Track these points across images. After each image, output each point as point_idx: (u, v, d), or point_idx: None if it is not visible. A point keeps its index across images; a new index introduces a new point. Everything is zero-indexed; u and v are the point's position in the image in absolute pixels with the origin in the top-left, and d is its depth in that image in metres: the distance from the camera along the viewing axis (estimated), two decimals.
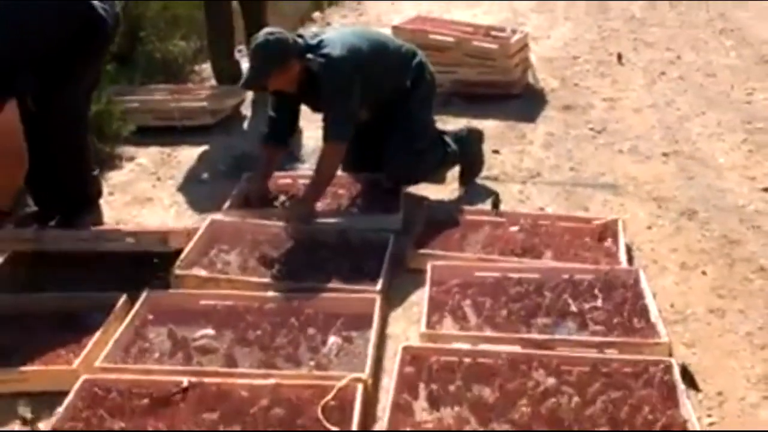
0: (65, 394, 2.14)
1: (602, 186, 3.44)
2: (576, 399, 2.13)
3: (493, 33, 4.50)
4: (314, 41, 3.01)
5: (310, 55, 2.94)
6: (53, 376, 2.25)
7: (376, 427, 2.14)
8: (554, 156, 3.72)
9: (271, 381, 2.17)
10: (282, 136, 3.22)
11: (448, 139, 3.34)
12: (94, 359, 2.27)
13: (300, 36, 3.03)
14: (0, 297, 2.65)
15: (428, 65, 3.31)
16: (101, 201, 3.13)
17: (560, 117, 4.13)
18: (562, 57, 4.96)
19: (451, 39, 4.31)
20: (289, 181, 3.37)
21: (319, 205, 3.13)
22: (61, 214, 2.96)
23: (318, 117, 4.08)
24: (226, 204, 3.13)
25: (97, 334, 2.38)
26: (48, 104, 2.78)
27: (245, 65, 4.24)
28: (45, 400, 2.21)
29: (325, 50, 2.97)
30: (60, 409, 2.07)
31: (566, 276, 2.66)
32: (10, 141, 2.65)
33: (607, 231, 2.97)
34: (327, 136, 3.03)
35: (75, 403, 2.10)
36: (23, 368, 2.28)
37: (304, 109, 4.21)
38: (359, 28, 3.23)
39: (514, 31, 4.47)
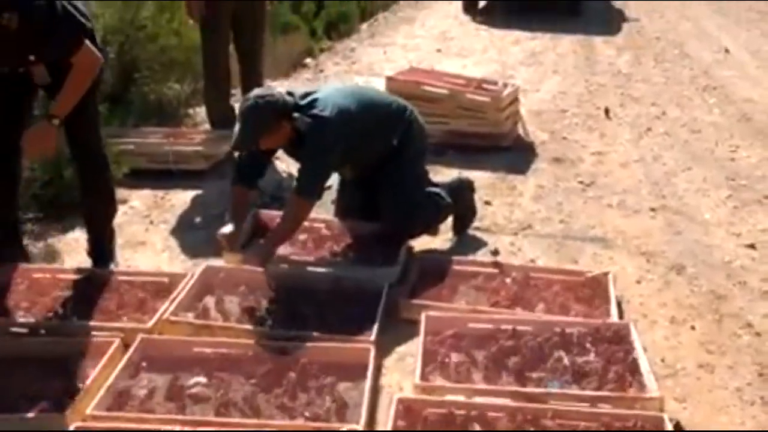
0: None
1: (592, 239, 3.50)
2: None
3: (485, 86, 4.60)
4: (304, 101, 3.06)
5: (297, 115, 3.00)
6: (43, 423, 2.21)
7: None
8: (544, 208, 3.78)
9: None
10: (251, 178, 3.24)
11: (441, 191, 3.38)
12: (86, 407, 2.25)
13: (290, 94, 3.08)
14: None
15: (418, 121, 3.35)
16: None
17: (550, 169, 4.20)
18: (551, 110, 5.07)
19: (444, 91, 4.40)
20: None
21: (317, 252, 3.15)
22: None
23: None
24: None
25: (89, 380, 2.35)
26: (80, 151, 2.92)
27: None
28: None
29: (315, 111, 3.02)
30: None
31: (558, 329, 2.69)
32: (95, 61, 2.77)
33: (598, 285, 3.00)
34: (297, 191, 3.08)
35: None
36: (9, 416, 2.24)
37: None
38: (350, 87, 3.28)
39: (505, 85, 4.58)
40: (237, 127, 2.99)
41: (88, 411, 2.22)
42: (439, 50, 6.56)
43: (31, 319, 2.71)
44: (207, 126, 4.58)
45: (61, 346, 2.56)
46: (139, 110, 4.75)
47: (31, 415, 2.25)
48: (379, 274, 3.00)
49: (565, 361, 2.57)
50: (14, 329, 2.66)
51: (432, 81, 4.54)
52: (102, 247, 3.13)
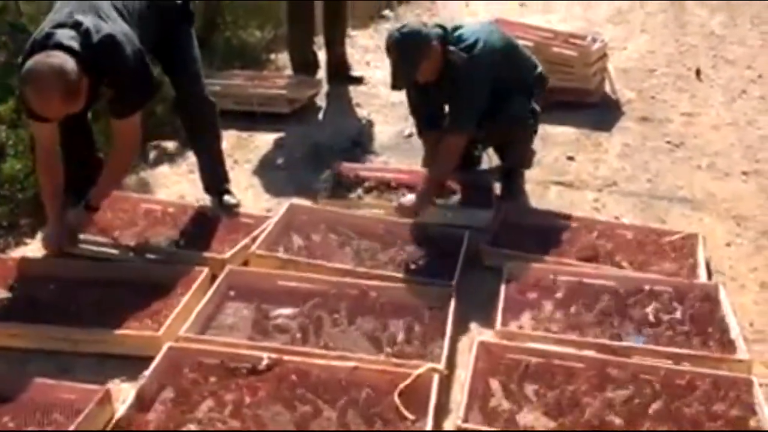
0: (146, 359, 2.21)
1: (680, 200, 3.39)
2: (653, 406, 2.11)
3: (573, 40, 4.45)
4: (455, 33, 3.00)
5: (452, 48, 2.95)
6: (138, 342, 2.33)
7: (449, 419, 2.15)
8: (630, 167, 3.67)
9: (350, 364, 2.20)
10: (436, 120, 3.21)
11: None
12: (177, 329, 2.34)
13: (440, 26, 3.03)
14: (84, 262, 2.75)
15: (547, 80, 3.30)
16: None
17: (637, 128, 4.07)
18: (639, 69, 4.88)
19: (530, 44, 4.27)
20: (366, 173, 3.40)
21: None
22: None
23: (394, 112, 4.19)
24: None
25: (180, 304, 2.44)
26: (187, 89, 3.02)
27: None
28: (128, 364, 2.29)
29: (467, 44, 2.96)
30: (146, 373, 2.14)
31: (645, 286, 2.64)
32: (137, 141, 2.80)
33: (686, 245, 2.92)
34: (451, 127, 3.01)
35: (159, 369, 2.17)
36: (111, 331, 2.36)
37: (381, 104, 4.30)
38: (496, 27, 3.18)
39: (594, 40, 4.42)
40: (391, 66, 2.97)
41: (180, 333, 2.31)
42: (522, 5, 6.38)
43: (127, 244, 2.81)
44: (289, 71, 4.60)
45: (153, 273, 2.67)
46: (223, 55, 4.81)
47: (128, 332, 2.36)
48: (473, 217, 3.02)
49: (651, 317, 2.53)
50: (108, 250, 2.76)
51: (518, 33, 4.42)
52: (218, 172, 3.21)
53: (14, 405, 2.10)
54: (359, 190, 3.27)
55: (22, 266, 2.73)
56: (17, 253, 2.92)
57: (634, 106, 4.35)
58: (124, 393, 2.19)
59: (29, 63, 2.45)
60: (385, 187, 3.29)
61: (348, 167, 3.44)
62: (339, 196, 3.20)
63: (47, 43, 2.48)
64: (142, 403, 2.07)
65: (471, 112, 2.99)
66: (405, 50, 2.90)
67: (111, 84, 2.59)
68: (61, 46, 2.46)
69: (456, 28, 3.05)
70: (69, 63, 2.43)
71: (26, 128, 3.23)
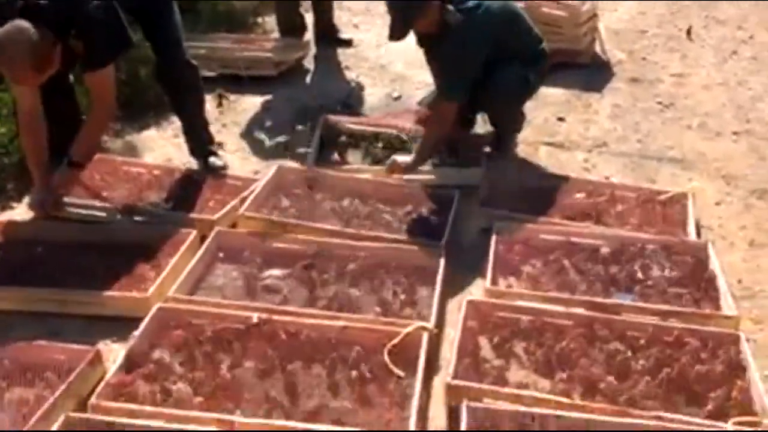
0: (136, 320, 2.20)
1: (670, 160, 3.38)
2: (641, 362, 2.13)
3: (563, 1, 4.40)
4: None
5: (450, 7, 2.89)
6: (127, 303, 2.32)
7: (439, 377, 2.16)
8: (621, 127, 3.66)
9: (339, 323, 2.20)
10: None
11: None
12: (167, 290, 2.33)
13: None
14: (73, 225, 2.73)
15: (548, 56, 3.26)
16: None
17: (627, 89, 4.05)
18: (630, 30, 4.84)
19: (519, 4, 4.22)
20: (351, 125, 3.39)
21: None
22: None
23: (383, 74, 4.14)
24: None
25: (170, 266, 2.43)
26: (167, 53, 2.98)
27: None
28: (117, 325, 2.29)
29: (467, 6, 2.91)
30: (136, 333, 2.13)
31: (633, 244, 2.64)
32: (111, 95, 2.74)
33: (675, 203, 2.93)
34: (441, 93, 2.99)
35: (149, 329, 2.16)
36: (100, 292, 2.35)
37: (369, 67, 4.26)
38: None
39: (584, 0, 4.38)
40: (390, 17, 2.94)
41: (170, 293, 2.31)
42: None
43: (115, 206, 2.79)
44: (276, 34, 4.54)
45: (141, 235, 2.66)
46: (209, 18, 4.73)
47: (117, 294, 2.35)
48: (464, 175, 3.02)
49: (639, 275, 2.54)
50: (96, 213, 2.74)
51: None
52: (202, 134, 3.20)
53: (4, 366, 2.09)
54: (344, 139, 3.27)
55: (9, 230, 2.72)
56: (3, 217, 2.89)
57: (625, 67, 4.31)
58: (114, 354, 2.19)
59: None
60: (372, 138, 3.29)
61: (333, 120, 3.41)
62: (325, 159, 3.17)
63: (15, 3, 2.45)
64: (132, 364, 2.07)
65: (461, 79, 2.96)
66: (400, 6, 2.87)
67: (79, 35, 2.55)
68: (26, 9, 2.45)
69: None
70: (31, 32, 2.42)
71: (9, 92, 3.18)
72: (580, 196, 2.98)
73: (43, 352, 2.13)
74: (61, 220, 2.74)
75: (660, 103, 3.91)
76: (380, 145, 3.26)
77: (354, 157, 3.23)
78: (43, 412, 1.89)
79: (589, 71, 4.19)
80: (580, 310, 2.33)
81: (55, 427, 1.83)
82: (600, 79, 4.14)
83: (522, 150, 3.42)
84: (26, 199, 2.97)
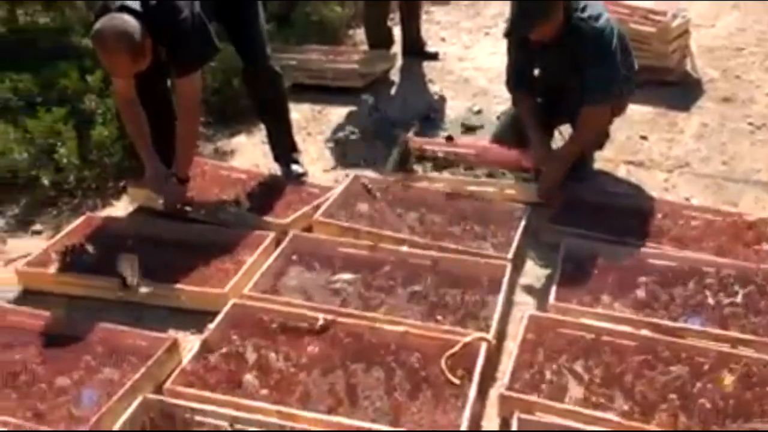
0: (212, 313, 2.36)
1: (755, 183, 3.28)
2: (702, 388, 2.10)
3: (652, 16, 4.33)
4: (580, 4, 2.95)
5: (582, 15, 2.91)
6: (206, 297, 2.48)
7: (495, 388, 2.20)
8: (706, 147, 3.57)
9: (401, 329, 2.28)
10: (524, 80, 3.18)
11: None
12: (242, 287, 2.48)
13: None
14: (161, 223, 2.94)
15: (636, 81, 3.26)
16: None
17: (717, 109, 3.94)
18: (726, 47, 4.70)
19: None
20: (433, 147, 3.44)
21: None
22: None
23: (466, 88, 4.20)
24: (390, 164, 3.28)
25: (246, 265, 2.58)
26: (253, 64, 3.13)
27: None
28: (195, 318, 2.45)
29: (591, 15, 2.91)
30: (211, 326, 2.29)
31: (708, 268, 2.59)
32: (195, 102, 2.91)
33: (757, 229, 2.84)
34: (590, 99, 2.96)
35: (224, 323, 2.31)
36: (180, 286, 2.53)
37: (453, 80, 4.33)
38: None
39: (675, 16, 4.29)
40: (513, 14, 2.96)
41: (245, 291, 2.45)
42: None
43: (198, 209, 2.98)
44: (365, 47, 4.68)
45: (222, 235, 2.82)
46: (302, 30, 4.93)
47: (196, 288, 2.52)
48: (527, 189, 3.05)
49: (710, 300, 2.49)
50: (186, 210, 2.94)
51: None
52: (285, 141, 3.35)
53: (93, 347, 2.30)
54: (425, 164, 3.31)
55: (106, 224, 2.95)
56: (105, 213, 3.14)
57: (717, 86, 4.20)
58: (190, 343, 2.35)
59: (96, 26, 2.63)
60: (450, 162, 3.32)
61: (417, 141, 3.50)
62: (404, 170, 3.26)
63: (114, 4, 2.66)
64: (206, 353, 2.22)
65: (611, 84, 2.94)
66: (530, 5, 2.88)
67: (168, 43, 2.72)
68: (125, 8, 2.63)
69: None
70: (132, 24, 2.61)
71: (112, 97, 3.45)
72: (657, 216, 2.94)
73: (127, 338, 2.31)
74: (152, 218, 2.96)
75: (751, 124, 3.79)
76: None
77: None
78: (123, 392, 2.07)
79: (677, 89, 4.11)
80: (645, 332, 2.31)
81: (133, 407, 1.99)
82: (689, 97, 4.05)
83: (601, 167, 3.40)
84: (125, 198, 3.22)
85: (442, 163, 3.31)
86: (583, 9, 2.94)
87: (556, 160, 3.06)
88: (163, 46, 2.74)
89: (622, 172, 3.40)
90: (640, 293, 2.53)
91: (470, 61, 4.58)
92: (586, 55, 2.91)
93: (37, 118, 3.34)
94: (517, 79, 3.21)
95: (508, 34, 3.07)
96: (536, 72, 3.14)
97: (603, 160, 3.45)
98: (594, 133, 3.04)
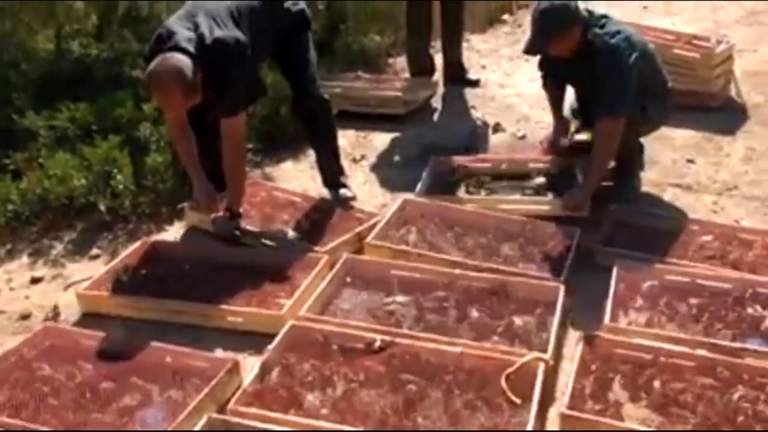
0: (269, 335, 2.40)
1: None
2: (764, 410, 2.08)
3: (696, 42, 4.34)
4: (600, 20, 3.02)
5: (598, 31, 2.97)
6: (264, 319, 2.53)
7: (554, 408, 2.20)
8: (754, 171, 3.56)
9: (457, 350, 2.30)
10: (559, 78, 3.32)
11: None
12: (299, 309, 2.52)
13: (588, 11, 3.04)
14: (214, 246, 3.01)
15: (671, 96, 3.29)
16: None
17: (763, 133, 3.93)
18: None
19: (650, 45, 4.21)
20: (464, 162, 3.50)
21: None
22: None
23: (508, 115, 4.25)
24: (419, 186, 3.33)
25: (302, 287, 2.63)
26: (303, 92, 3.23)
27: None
28: (252, 339, 2.49)
29: (609, 31, 2.98)
30: (270, 347, 2.32)
31: (762, 289, 2.57)
32: (240, 139, 2.99)
33: None
34: (604, 113, 2.99)
35: (282, 344, 2.35)
36: (238, 308, 2.58)
37: (495, 107, 4.37)
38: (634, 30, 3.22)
39: (719, 42, 4.30)
40: (531, 31, 3.05)
41: (302, 312, 2.49)
42: (645, 7, 6.25)
43: (247, 237, 3.04)
44: (407, 74, 4.75)
45: (277, 257, 2.88)
46: (344, 58, 5.03)
47: (254, 310, 2.57)
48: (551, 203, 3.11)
49: (767, 322, 2.47)
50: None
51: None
52: (334, 166, 3.43)
53: (156, 369, 2.35)
54: (457, 180, 3.38)
55: (162, 248, 3.02)
56: (159, 237, 3.21)
57: (762, 111, 4.19)
58: (249, 364, 2.38)
59: (151, 66, 2.72)
60: (481, 177, 3.39)
61: (445, 161, 3.52)
62: (437, 192, 3.29)
63: (168, 42, 2.75)
64: (266, 375, 2.25)
65: (623, 96, 2.96)
66: (544, 21, 2.95)
67: (217, 84, 2.80)
68: (177, 48, 2.72)
69: (603, 17, 3.06)
70: (184, 62, 2.70)
71: (165, 125, 3.55)
72: (706, 239, 2.93)
73: (189, 359, 2.36)
74: (207, 242, 3.03)
75: None
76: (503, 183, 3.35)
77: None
78: (189, 411, 2.11)
79: (722, 114, 4.11)
80: (702, 352, 2.30)
81: (198, 427, 2.03)
82: (734, 122, 4.04)
83: (648, 190, 3.40)
84: (177, 224, 3.30)
85: (474, 183, 3.37)
86: (602, 26, 3.01)
87: (579, 190, 3.09)
88: (211, 86, 2.81)
89: (668, 195, 3.40)
90: (694, 314, 2.52)
91: (511, 88, 4.62)
92: (599, 70, 2.97)
93: (94, 145, 3.45)
94: (547, 65, 3.32)
95: (526, 52, 3.15)
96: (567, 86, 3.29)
97: (649, 183, 3.45)
98: (611, 147, 3.03)
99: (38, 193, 3.37)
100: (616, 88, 2.95)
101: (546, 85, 3.46)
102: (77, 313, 2.75)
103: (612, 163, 3.24)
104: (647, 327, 2.46)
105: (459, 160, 3.52)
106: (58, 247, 3.25)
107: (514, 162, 3.48)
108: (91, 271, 3.00)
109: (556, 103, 3.45)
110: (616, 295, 2.57)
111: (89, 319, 2.71)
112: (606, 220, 3.04)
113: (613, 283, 2.62)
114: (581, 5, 3.04)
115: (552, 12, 2.94)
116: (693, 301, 2.57)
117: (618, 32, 2.99)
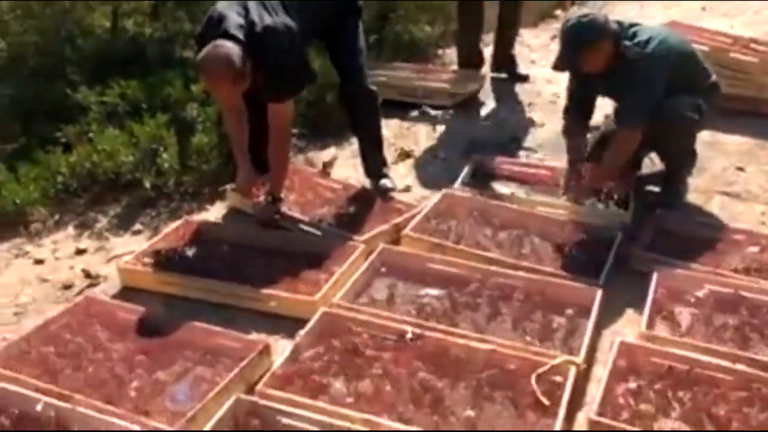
0: (301, 320, 2.42)
1: None
2: None
3: (754, 46, 4.22)
4: (630, 30, 2.99)
5: (628, 43, 2.94)
6: (297, 304, 2.55)
7: (582, 412, 2.18)
8: None
9: (489, 347, 2.28)
10: (582, 106, 3.23)
11: None
12: (332, 296, 2.53)
13: (618, 23, 3.01)
14: (254, 229, 3.04)
15: (719, 89, 3.21)
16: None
17: None
18: None
19: (704, 48, 4.10)
20: (506, 166, 3.48)
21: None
22: None
23: (555, 111, 4.18)
24: (458, 181, 3.32)
25: (336, 274, 2.64)
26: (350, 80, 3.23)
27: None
28: (284, 323, 2.52)
29: (640, 40, 2.94)
30: (301, 332, 2.34)
31: None
32: (287, 125, 3.01)
33: None
34: (623, 122, 3.02)
35: (313, 330, 2.37)
36: (273, 292, 2.60)
37: (542, 102, 4.32)
38: (671, 31, 3.13)
39: None
40: (559, 47, 3.02)
41: (335, 300, 2.51)
42: (703, 8, 6.08)
43: (286, 222, 3.06)
44: (454, 66, 4.72)
45: (314, 243, 2.90)
46: (393, 47, 5.02)
47: (288, 295, 2.59)
48: (614, 214, 3.05)
49: None
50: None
51: (693, 37, 4.24)
52: (377, 157, 3.42)
53: (189, 346, 2.39)
54: (496, 182, 3.35)
55: (202, 229, 3.06)
56: (200, 217, 3.26)
57: None
58: (280, 348, 2.41)
59: (201, 54, 2.75)
60: (521, 182, 3.36)
61: (489, 160, 3.50)
62: (473, 186, 3.27)
63: (219, 26, 2.77)
64: (296, 359, 2.27)
65: (644, 107, 2.94)
66: (574, 37, 2.92)
67: (266, 71, 2.81)
68: (227, 35, 2.74)
69: (632, 25, 3.02)
70: (234, 51, 2.71)
71: (213, 106, 3.60)
72: (753, 249, 2.86)
73: (221, 339, 2.40)
74: (246, 225, 3.07)
75: None
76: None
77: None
78: (217, 391, 2.14)
79: None
80: (741, 366, 2.25)
81: (226, 406, 2.06)
82: None
83: (694, 198, 3.32)
84: (218, 204, 3.34)
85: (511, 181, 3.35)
86: (633, 36, 2.95)
87: (584, 184, 3.14)
88: (261, 73, 2.82)
89: (716, 203, 3.32)
90: (735, 326, 2.46)
91: (558, 84, 4.54)
92: (626, 80, 2.93)
93: (143, 123, 3.52)
94: (573, 109, 3.23)
95: (554, 68, 3.08)
96: (606, 98, 3.20)
97: (697, 190, 3.37)
98: (624, 154, 3.03)
99: (87, 167, 3.45)
100: (640, 99, 2.94)
101: (567, 127, 3.28)
102: (117, 286, 2.82)
103: (661, 167, 3.18)
104: (684, 337, 2.41)
105: (501, 160, 3.49)
106: (103, 221, 3.33)
107: (555, 171, 3.39)
108: (132, 245, 3.06)
109: (576, 149, 3.24)
110: (654, 302, 2.52)
111: (128, 292, 2.77)
112: (648, 226, 2.98)
113: (651, 289, 2.57)
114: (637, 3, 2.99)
115: (580, 26, 2.89)
116: (734, 313, 2.50)
117: (648, 41, 2.93)
